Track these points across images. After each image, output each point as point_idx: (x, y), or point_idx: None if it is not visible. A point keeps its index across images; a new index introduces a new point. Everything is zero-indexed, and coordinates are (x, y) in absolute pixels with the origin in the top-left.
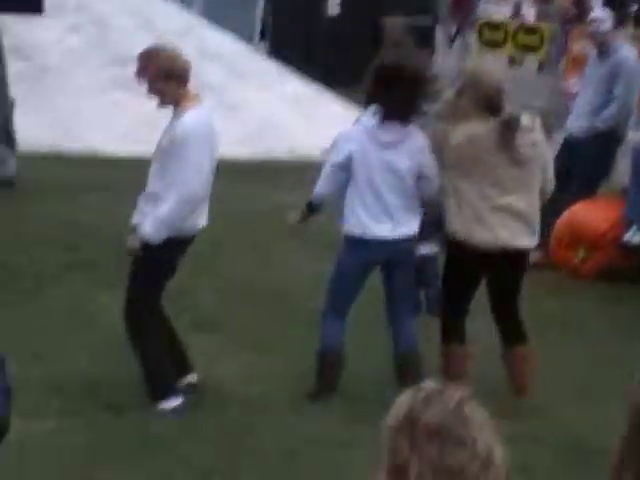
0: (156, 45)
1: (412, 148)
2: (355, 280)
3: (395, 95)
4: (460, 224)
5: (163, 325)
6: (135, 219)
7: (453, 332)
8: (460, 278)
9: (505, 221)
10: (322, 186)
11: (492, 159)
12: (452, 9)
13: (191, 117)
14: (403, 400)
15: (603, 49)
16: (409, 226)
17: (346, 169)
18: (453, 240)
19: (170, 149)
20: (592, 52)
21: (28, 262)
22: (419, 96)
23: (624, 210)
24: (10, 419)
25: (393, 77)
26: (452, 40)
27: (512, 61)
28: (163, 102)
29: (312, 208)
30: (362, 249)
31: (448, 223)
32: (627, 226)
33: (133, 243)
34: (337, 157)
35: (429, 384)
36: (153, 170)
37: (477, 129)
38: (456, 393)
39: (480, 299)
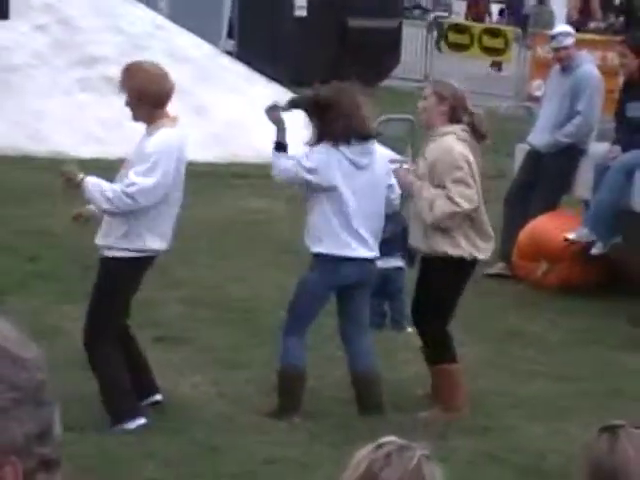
0: (140, 62)
1: (382, 169)
2: (323, 300)
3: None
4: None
5: (128, 344)
6: (98, 240)
7: (453, 348)
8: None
9: None
10: (287, 173)
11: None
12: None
13: (161, 137)
14: (362, 456)
15: (566, 64)
16: (376, 247)
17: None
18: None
19: (136, 165)
20: (555, 66)
21: None
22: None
23: (583, 217)
24: None
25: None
26: (437, 42)
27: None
28: (135, 119)
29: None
30: (339, 270)
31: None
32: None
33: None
34: (321, 181)
35: (390, 440)
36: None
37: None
38: (416, 452)
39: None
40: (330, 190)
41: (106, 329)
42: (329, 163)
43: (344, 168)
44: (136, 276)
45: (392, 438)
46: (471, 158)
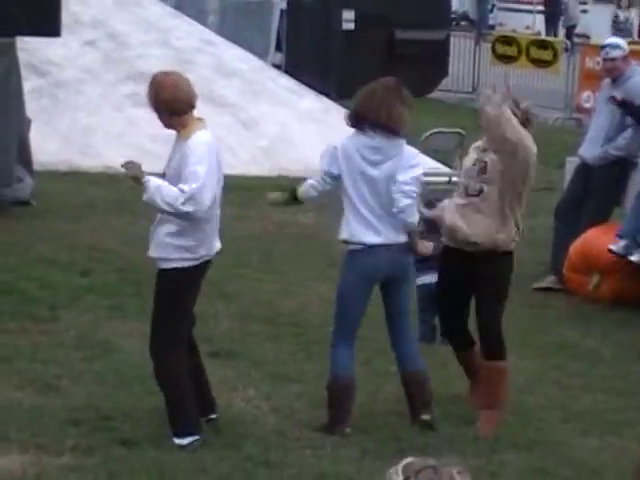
0: (160, 74)
1: (401, 164)
2: (360, 297)
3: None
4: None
5: (191, 358)
6: (152, 252)
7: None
8: None
9: None
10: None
11: None
12: None
13: (199, 139)
14: (397, 472)
15: (614, 75)
16: (400, 236)
17: (337, 180)
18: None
19: (180, 170)
20: (606, 79)
21: (43, 287)
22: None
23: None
24: None
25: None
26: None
27: None
28: (168, 127)
29: (294, 200)
30: (358, 257)
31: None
32: (618, 236)
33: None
34: (329, 167)
35: (422, 459)
36: None
37: None
38: (451, 469)
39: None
40: (344, 184)
41: (171, 339)
42: (344, 151)
43: (356, 159)
44: (196, 282)
45: (415, 458)
46: None
